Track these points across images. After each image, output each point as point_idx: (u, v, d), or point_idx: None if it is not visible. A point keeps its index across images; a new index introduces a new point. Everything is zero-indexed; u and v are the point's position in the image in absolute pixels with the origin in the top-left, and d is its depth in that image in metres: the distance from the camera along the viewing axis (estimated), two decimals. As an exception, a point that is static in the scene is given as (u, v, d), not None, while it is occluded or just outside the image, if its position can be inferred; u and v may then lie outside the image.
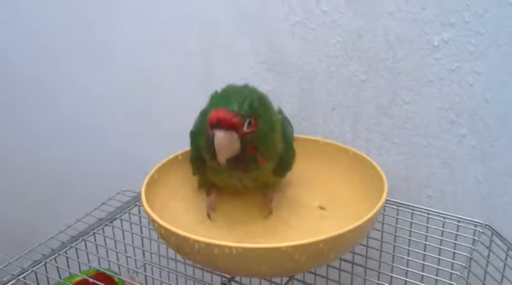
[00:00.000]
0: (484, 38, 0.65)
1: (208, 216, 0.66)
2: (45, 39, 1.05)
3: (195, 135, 0.66)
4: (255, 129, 0.56)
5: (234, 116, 0.54)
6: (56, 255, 0.67)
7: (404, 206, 0.71)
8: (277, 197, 0.68)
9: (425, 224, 0.68)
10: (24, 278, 0.63)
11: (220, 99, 0.57)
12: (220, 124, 0.54)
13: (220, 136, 0.54)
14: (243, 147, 0.56)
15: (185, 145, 0.71)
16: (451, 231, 0.67)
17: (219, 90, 0.63)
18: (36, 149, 1.18)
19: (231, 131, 0.54)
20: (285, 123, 0.67)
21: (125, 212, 0.76)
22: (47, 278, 0.66)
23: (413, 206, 0.70)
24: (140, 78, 0.96)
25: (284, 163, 0.65)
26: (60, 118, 1.11)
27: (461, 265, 0.61)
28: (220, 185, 0.67)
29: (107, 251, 0.72)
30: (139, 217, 0.76)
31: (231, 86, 0.62)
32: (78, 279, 0.69)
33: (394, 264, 0.65)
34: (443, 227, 0.67)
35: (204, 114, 0.64)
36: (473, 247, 0.64)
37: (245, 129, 0.55)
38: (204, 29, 0.85)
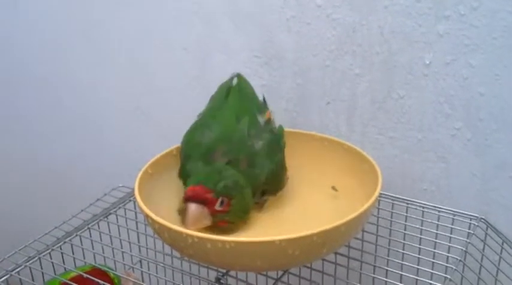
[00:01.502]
0: (478, 31, 0.64)
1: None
2: (45, 37, 1.04)
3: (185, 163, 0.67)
4: (227, 209, 0.60)
5: (207, 192, 0.58)
6: (51, 250, 0.67)
7: (399, 200, 0.71)
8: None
9: (421, 218, 0.68)
10: (18, 273, 0.63)
11: (200, 176, 0.61)
12: (193, 198, 0.58)
13: (191, 208, 0.58)
14: (214, 221, 0.60)
15: (180, 141, 0.71)
16: (446, 225, 0.67)
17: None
18: (33, 145, 1.18)
19: (203, 206, 0.58)
20: (272, 144, 0.67)
21: (120, 208, 0.76)
22: (42, 273, 0.65)
23: (408, 200, 0.70)
24: (137, 74, 0.96)
25: (276, 185, 0.67)
26: (58, 114, 1.11)
27: (456, 258, 0.61)
28: None
29: (102, 246, 0.71)
30: (135, 213, 0.76)
31: (216, 164, 0.63)
32: (73, 275, 0.68)
33: (389, 258, 0.64)
34: (438, 221, 0.67)
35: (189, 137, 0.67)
36: (468, 241, 0.64)
37: (217, 207, 0.59)
38: (200, 24, 0.84)
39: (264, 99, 0.73)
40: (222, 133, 0.64)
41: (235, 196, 0.60)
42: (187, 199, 0.59)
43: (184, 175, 0.66)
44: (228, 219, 0.61)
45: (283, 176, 0.68)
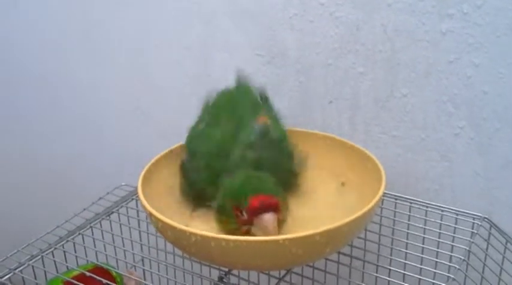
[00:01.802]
0: (482, 30, 0.64)
1: None
2: (45, 37, 1.04)
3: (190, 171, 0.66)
4: (281, 208, 0.58)
5: (272, 198, 0.57)
6: (53, 249, 0.67)
7: (402, 199, 0.71)
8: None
9: (424, 217, 0.68)
10: (21, 272, 0.63)
11: (246, 185, 0.59)
12: (266, 207, 0.56)
13: (270, 218, 0.56)
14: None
15: (181, 140, 0.71)
16: (449, 224, 0.67)
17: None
18: (34, 145, 1.18)
19: (274, 212, 0.56)
20: (272, 152, 0.66)
21: (122, 206, 0.75)
22: (45, 272, 0.65)
23: (411, 199, 0.70)
24: (138, 74, 0.96)
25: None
26: (58, 114, 1.11)
27: (460, 258, 0.61)
28: None
29: (104, 245, 0.71)
30: (137, 211, 0.76)
31: (240, 173, 0.61)
32: (75, 273, 0.68)
33: (392, 257, 0.64)
34: (441, 220, 0.67)
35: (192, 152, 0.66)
36: (471, 240, 0.64)
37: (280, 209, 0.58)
38: (202, 23, 0.84)
39: (264, 98, 0.72)
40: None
41: (280, 196, 0.59)
42: (261, 211, 0.56)
43: (194, 187, 0.65)
44: (282, 218, 0.59)
45: (292, 180, 0.67)
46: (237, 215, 0.57)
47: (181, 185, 0.67)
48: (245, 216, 0.56)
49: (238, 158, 0.63)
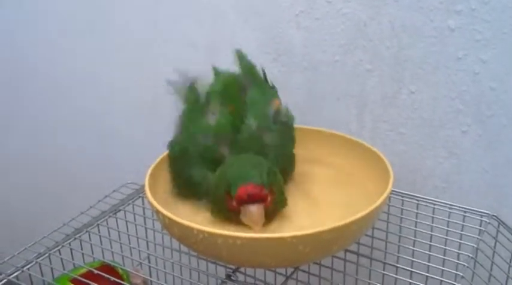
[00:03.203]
0: (490, 26, 0.64)
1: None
2: (50, 33, 1.04)
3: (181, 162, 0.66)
4: (273, 197, 0.58)
5: (261, 189, 0.56)
6: (60, 247, 0.67)
7: (409, 196, 0.70)
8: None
9: (431, 215, 0.68)
10: (28, 269, 0.63)
11: (239, 172, 0.58)
12: (252, 199, 0.56)
13: (254, 210, 0.56)
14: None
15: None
16: (457, 221, 0.66)
17: None
18: (40, 142, 1.19)
19: (261, 204, 0.57)
20: (283, 136, 0.66)
21: (129, 204, 0.75)
22: (52, 269, 0.65)
23: (419, 197, 0.70)
24: (145, 70, 0.96)
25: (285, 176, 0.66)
26: (64, 111, 1.11)
27: (468, 256, 0.60)
28: None
29: (110, 242, 0.71)
30: (143, 209, 0.76)
31: (239, 157, 0.61)
32: (82, 271, 0.68)
33: (399, 255, 0.64)
34: (449, 218, 0.67)
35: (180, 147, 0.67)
36: (479, 238, 0.63)
37: (269, 200, 0.58)
38: (208, 20, 0.84)
39: (265, 77, 0.71)
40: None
41: (275, 183, 0.59)
42: (246, 202, 0.56)
43: (190, 182, 0.64)
44: (273, 209, 0.59)
45: (292, 166, 0.68)
46: (227, 199, 0.57)
47: (173, 178, 0.67)
48: (234, 203, 0.57)
49: (245, 141, 0.63)
